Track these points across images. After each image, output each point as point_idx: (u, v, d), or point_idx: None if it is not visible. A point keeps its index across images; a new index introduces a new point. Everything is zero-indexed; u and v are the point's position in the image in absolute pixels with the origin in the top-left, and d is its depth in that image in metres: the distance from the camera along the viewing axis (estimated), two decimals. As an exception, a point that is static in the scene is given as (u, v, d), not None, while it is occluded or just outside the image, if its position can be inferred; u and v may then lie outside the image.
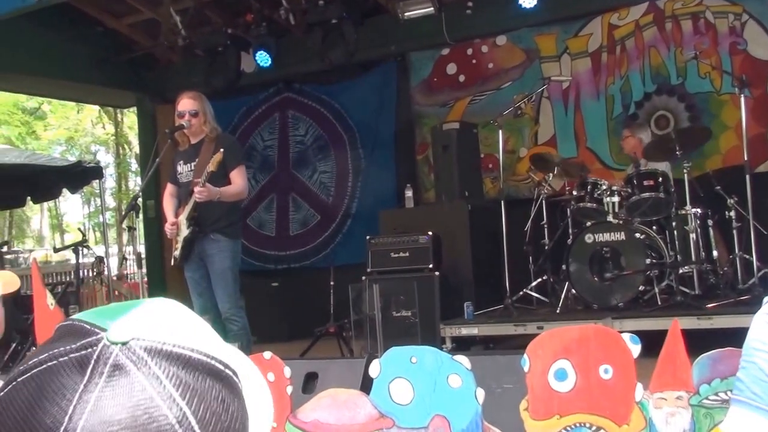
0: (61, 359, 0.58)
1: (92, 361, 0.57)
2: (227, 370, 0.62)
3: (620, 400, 2.07)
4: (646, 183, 5.87)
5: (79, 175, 10.40)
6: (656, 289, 5.63)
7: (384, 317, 6.01)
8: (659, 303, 5.56)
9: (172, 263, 5.22)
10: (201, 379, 0.59)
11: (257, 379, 0.68)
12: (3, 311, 2.18)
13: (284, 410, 2.54)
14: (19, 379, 0.59)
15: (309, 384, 2.92)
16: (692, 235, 5.70)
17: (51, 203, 24.03)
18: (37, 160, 10.90)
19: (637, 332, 2.20)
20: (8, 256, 7.60)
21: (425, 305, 6.06)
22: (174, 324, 0.62)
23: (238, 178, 5.01)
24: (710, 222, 5.93)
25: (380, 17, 8.15)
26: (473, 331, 5.95)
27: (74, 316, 0.63)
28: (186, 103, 5.09)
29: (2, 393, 0.59)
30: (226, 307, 4.95)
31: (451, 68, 8.36)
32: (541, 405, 2.17)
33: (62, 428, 0.55)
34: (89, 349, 0.58)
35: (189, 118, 5.04)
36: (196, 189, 4.77)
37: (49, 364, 0.58)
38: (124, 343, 0.58)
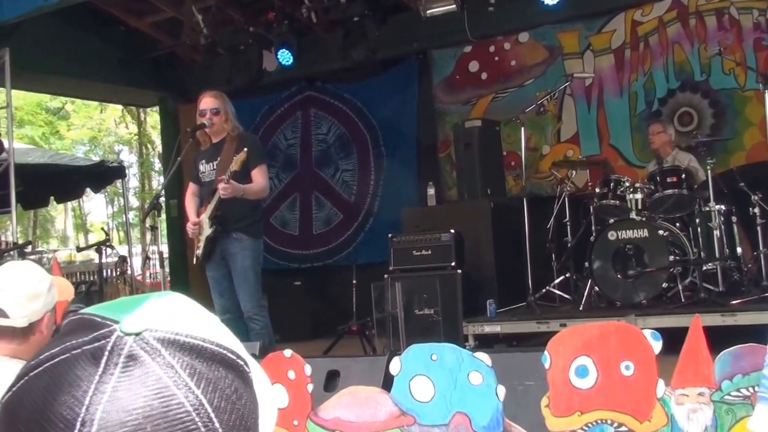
0: (74, 352, 0.58)
1: (106, 353, 0.57)
2: (239, 360, 0.63)
3: (642, 396, 2.05)
4: (669, 180, 5.83)
5: (103, 175, 10.51)
6: (680, 286, 5.59)
7: (406, 315, 6.01)
8: (683, 300, 5.52)
9: (194, 262, 5.25)
10: (214, 369, 0.60)
11: (261, 375, 0.68)
12: (52, 318, 2.20)
13: (305, 408, 2.55)
14: (31, 373, 0.59)
15: (331, 382, 2.93)
16: (716, 232, 5.64)
17: (75, 203, 24.26)
18: (60, 160, 11.02)
19: (661, 329, 2.18)
20: (32, 257, 7.67)
21: (448, 303, 6.05)
22: (185, 316, 0.63)
23: (260, 177, 5.03)
24: (734, 218, 5.87)
25: (402, 15, 8.14)
26: (496, 328, 5.93)
27: (84, 310, 0.63)
28: (207, 102, 5.12)
29: (15, 387, 0.59)
30: (249, 306, 4.96)
31: (474, 66, 8.34)
32: (562, 402, 2.16)
33: (79, 419, 0.55)
34: (102, 341, 0.58)
35: (210, 116, 5.07)
36: (221, 185, 4.78)
37: (63, 356, 0.58)
38: (137, 334, 0.58)
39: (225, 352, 0.61)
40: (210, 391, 0.58)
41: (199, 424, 0.57)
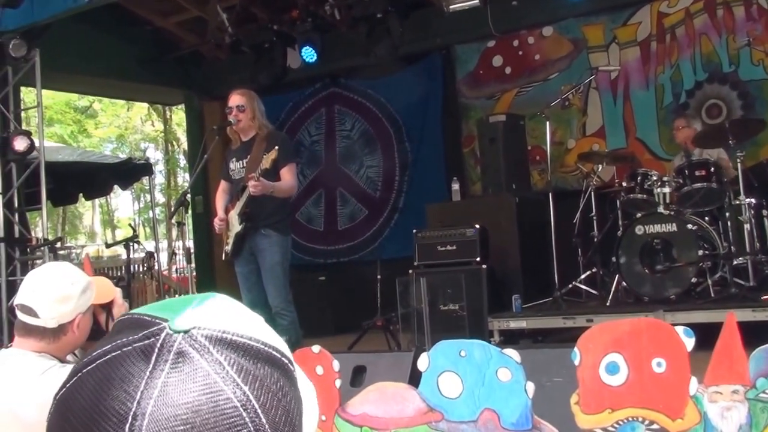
0: (125, 349, 0.60)
1: (156, 349, 0.59)
2: (284, 359, 0.64)
3: (674, 393, 2.03)
4: (698, 173, 5.75)
5: (130, 172, 10.60)
6: (709, 281, 5.52)
7: (431, 311, 5.99)
8: (712, 295, 5.45)
9: (223, 258, 5.30)
10: (261, 367, 0.61)
11: (302, 375, 0.69)
12: (90, 320, 2.24)
13: (333, 403, 2.56)
14: (84, 370, 0.60)
15: (357, 377, 2.93)
16: (746, 226, 5.56)
17: (102, 200, 24.52)
18: (89, 158, 11.14)
19: (690, 325, 2.15)
20: (61, 252, 7.77)
21: (473, 298, 6.03)
22: (232, 315, 0.64)
23: (289, 175, 5.06)
24: (765, 212, 5.78)
25: (425, 10, 8.12)
26: (522, 324, 5.90)
27: (133, 311, 0.65)
28: (234, 99, 5.16)
29: (68, 384, 0.61)
30: (277, 301, 5.00)
31: (497, 60, 8.30)
32: (592, 399, 2.14)
33: (131, 413, 0.56)
34: (152, 339, 0.60)
35: (236, 113, 5.11)
36: (251, 183, 4.80)
37: (114, 354, 0.60)
38: (186, 332, 0.60)
39: (271, 350, 0.63)
40: (257, 388, 0.59)
41: (247, 419, 0.58)
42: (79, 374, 0.61)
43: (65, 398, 0.60)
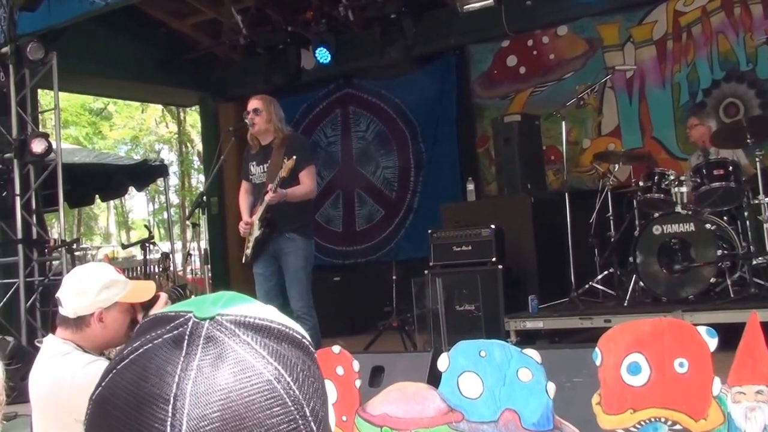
0: (156, 341, 0.63)
1: (186, 337, 0.62)
2: (305, 340, 0.67)
3: (697, 394, 2.02)
4: (716, 172, 5.70)
5: (145, 173, 10.66)
6: (728, 281, 5.48)
7: (447, 311, 5.98)
8: (732, 295, 5.41)
9: (243, 261, 5.33)
10: (285, 346, 0.64)
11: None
12: (121, 316, 2.37)
13: (353, 404, 2.56)
14: (118, 366, 0.63)
15: (376, 378, 2.93)
16: (766, 225, 5.51)
17: (117, 201, 24.64)
18: (105, 160, 11.22)
19: (710, 325, 2.14)
20: (78, 253, 7.83)
21: (489, 299, 6.02)
22: (249, 303, 0.68)
23: (307, 179, 5.11)
24: (784, 211, 5.73)
25: (439, 10, 8.11)
26: (538, 324, 5.88)
27: (154, 312, 0.70)
28: (252, 103, 5.24)
29: (104, 383, 0.63)
30: (299, 305, 5.02)
31: (512, 60, 8.28)
32: (614, 399, 2.13)
33: (172, 395, 0.59)
34: (181, 328, 0.63)
35: (252, 116, 5.16)
36: (268, 196, 4.91)
37: (146, 347, 0.63)
38: (211, 318, 0.63)
39: (291, 331, 0.66)
40: (286, 365, 0.63)
41: (281, 391, 0.61)
42: (114, 371, 0.63)
43: (103, 396, 0.63)
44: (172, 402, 0.58)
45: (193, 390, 0.59)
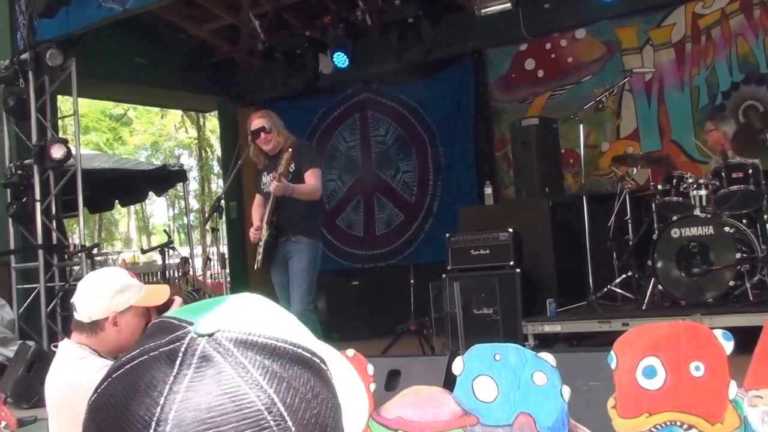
0: (151, 354, 0.60)
1: (180, 354, 0.59)
2: (315, 358, 0.63)
3: (713, 398, 2.00)
4: (735, 175, 5.66)
5: (165, 179, 10.75)
6: (747, 285, 5.44)
7: (465, 315, 5.97)
8: (751, 298, 5.37)
9: (256, 267, 5.36)
10: (288, 367, 0.60)
11: (350, 372, 0.69)
12: (136, 320, 2.39)
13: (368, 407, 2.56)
14: (114, 375, 0.61)
15: (392, 381, 2.94)
16: (785, 229, 5.47)
17: (137, 206, 24.81)
18: (124, 165, 11.31)
19: (729, 329, 2.12)
20: (98, 258, 7.90)
21: (507, 302, 6.00)
22: (260, 315, 0.64)
23: (312, 179, 5.17)
24: (804, 214, 5.68)
25: (456, 14, 8.11)
26: (556, 328, 5.86)
27: (165, 314, 0.66)
28: (255, 122, 5.28)
29: (99, 389, 0.62)
30: (297, 307, 5.02)
31: (530, 63, 8.27)
32: (629, 403, 2.12)
33: (155, 419, 0.56)
34: (177, 343, 0.60)
35: (265, 138, 5.23)
36: (273, 183, 4.95)
37: (141, 359, 0.60)
38: (210, 335, 0.60)
39: (300, 350, 0.62)
40: (283, 390, 0.59)
41: (271, 422, 0.57)
42: (109, 379, 0.61)
43: (97, 404, 0.61)
44: (153, 427, 0.56)
45: (175, 415, 0.56)
